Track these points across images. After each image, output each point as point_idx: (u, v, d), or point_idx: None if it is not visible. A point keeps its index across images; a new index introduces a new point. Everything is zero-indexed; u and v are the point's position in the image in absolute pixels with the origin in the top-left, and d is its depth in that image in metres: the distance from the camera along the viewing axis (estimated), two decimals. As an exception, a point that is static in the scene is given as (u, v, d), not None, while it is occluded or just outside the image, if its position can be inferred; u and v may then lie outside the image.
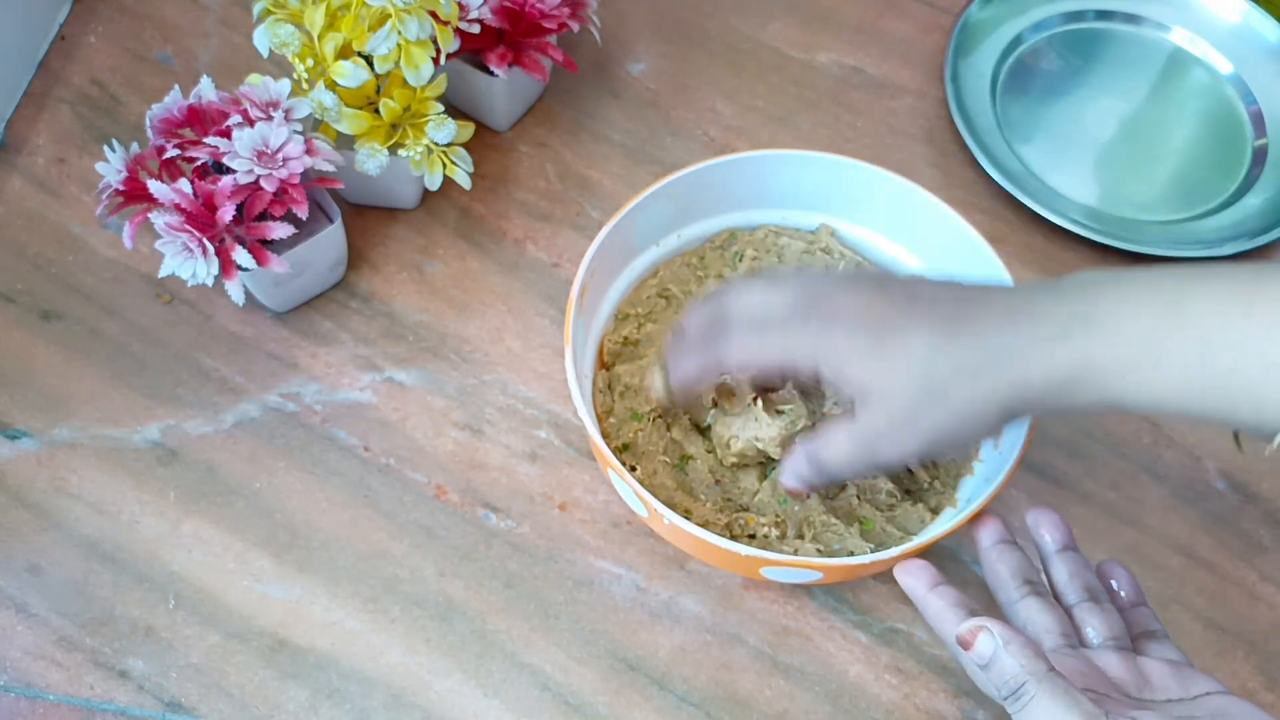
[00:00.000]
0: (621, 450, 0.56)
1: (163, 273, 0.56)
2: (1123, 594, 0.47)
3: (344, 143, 0.62)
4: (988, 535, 0.48)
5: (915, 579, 0.44)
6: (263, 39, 0.58)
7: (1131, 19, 0.78)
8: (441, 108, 0.62)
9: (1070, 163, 0.72)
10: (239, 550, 0.57)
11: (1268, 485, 0.62)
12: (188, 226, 0.55)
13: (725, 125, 0.73)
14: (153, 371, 0.62)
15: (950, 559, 0.58)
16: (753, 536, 0.54)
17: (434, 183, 0.62)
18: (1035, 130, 0.73)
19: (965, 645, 0.39)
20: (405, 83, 0.60)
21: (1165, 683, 0.42)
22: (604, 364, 0.60)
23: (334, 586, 0.57)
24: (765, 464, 0.56)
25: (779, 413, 0.53)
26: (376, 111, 0.61)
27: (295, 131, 0.57)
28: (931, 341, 0.43)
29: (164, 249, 0.56)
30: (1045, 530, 0.48)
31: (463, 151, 0.63)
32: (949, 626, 0.42)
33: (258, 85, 0.58)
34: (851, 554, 0.53)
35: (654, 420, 0.57)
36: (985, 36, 0.76)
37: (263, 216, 0.57)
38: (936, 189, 0.59)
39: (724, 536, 0.50)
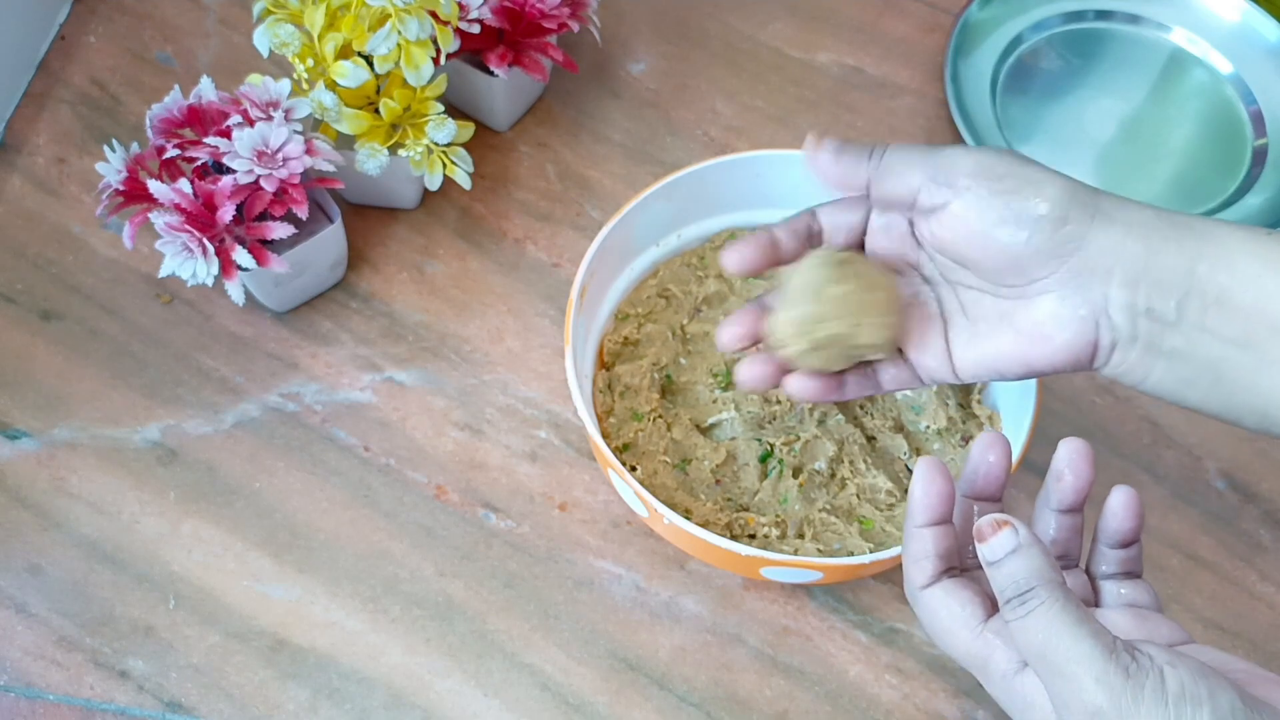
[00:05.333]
0: (621, 450, 0.56)
1: (163, 273, 0.56)
2: (1116, 532, 0.43)
3: (344, 143, 0.62)
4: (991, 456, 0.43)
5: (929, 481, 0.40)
6: (263, 39, 0.58)
7: (1131, 19, 0.78)
8: (441, 108, 0.62)
9: (1070, 163, 0.72)
10: (239, 550, 0.57)
11: (1267, 485, 0.62)
12: (188, 226, 0.55)
13: (725, 125, 0.73)
14: (153, 371, 0.62)
15: (950, 559, 0.58)
16: (753, 536, 0.54)
17: (434, 183, 0.62)
18: (1035, 130, 0.73)
19: (982, 537, 0.37)
20: (405, 83, 0.60)
21: (1129, 633, 0.41)
22: (604, 364, 0.60)
23: (334, 586, 0.57)
24: (766, 461, 0.56)
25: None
26: (376, 111, 0.61)
27: (295, 131, 0.57)
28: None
29: (164, 249, 0.56)
30: (1066, 478, 0.42)
31: (463, 151, 0.63)
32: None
33: (258, 85, 0.58)
34: (851, 554, 0.53)
35: (654, 420, 0.57)
36: (985, 36, 0.76)
37: (263, 216, 0.57)
38: (936, 189, 0.59)
39: (724, 536, 0.50)
